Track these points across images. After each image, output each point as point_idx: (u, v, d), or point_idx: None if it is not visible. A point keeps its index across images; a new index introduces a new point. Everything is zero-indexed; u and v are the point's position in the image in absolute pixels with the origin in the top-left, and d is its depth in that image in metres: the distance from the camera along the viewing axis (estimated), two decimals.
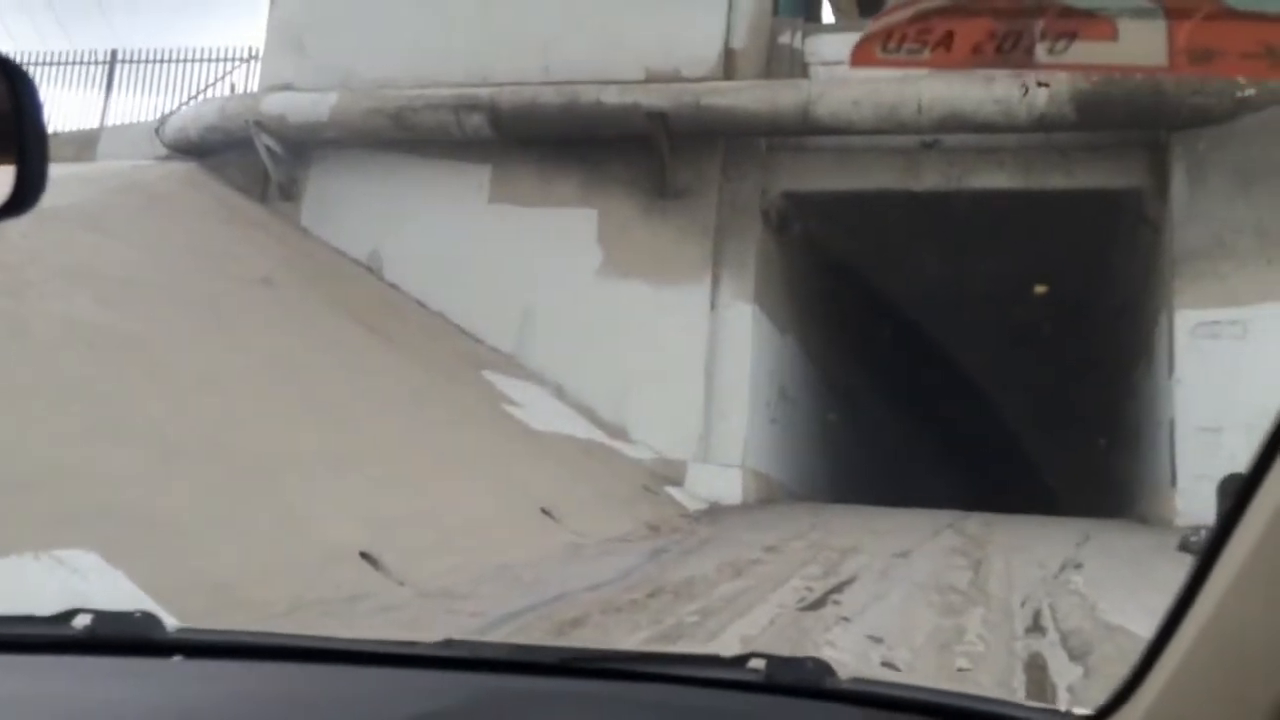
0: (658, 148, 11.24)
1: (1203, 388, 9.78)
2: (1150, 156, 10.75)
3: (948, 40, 2.79)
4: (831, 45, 11.96)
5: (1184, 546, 8.20)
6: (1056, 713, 1.31)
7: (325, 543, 5.38)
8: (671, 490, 9.97)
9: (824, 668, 1.34)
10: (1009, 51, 2.79)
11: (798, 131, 11.22)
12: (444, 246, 11.76)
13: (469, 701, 1.32)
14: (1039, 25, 2.77)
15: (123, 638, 1.40)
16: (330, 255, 11.43)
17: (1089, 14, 2.85)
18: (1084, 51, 2.79)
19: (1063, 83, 10.29)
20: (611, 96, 11.18)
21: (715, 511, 9.83)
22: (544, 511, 7.46)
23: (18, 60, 1.22)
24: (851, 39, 11.28)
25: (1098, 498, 12.89)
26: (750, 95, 11.02)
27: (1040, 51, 2.80)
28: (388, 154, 12.08)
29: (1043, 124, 10.49)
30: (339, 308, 9.75)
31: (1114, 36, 2.78)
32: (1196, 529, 8.64)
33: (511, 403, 9.87)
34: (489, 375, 10.28)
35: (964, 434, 15.37)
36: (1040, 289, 12.13)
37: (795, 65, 11.73)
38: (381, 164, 12.12)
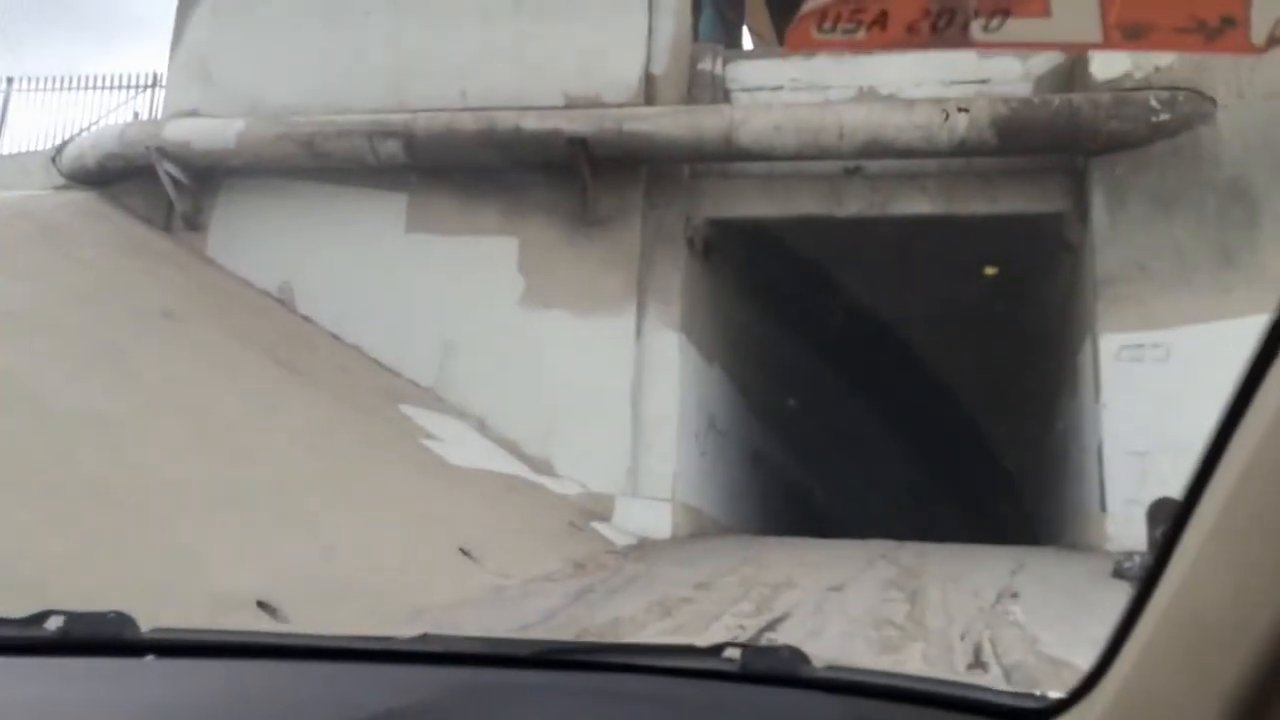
0: (579, 174, 10.99)
1: (1129, 412, 9.77)
2: (1070, 181, 10.80)
3: (882, 19, 2.65)
4: (752, 71, 11.90)
5: (1118, 573, 8.11)
6: (1030, 696, 1.30)
7: (218, 590, 4.95)
8: (599, 526, 9.63)
9: (799, 656, 1.35)
10: (944, 30, 2.66)
11: (721, 157, 11.06)
12: (359, 277, 11.35)
13: (445, 694, 1.31)
14: (972, 2, 2.62)
15: (96, 638, 1.39)
16: (238, 287, 10.93)
17: None
18: (1018, 29, 2.66)
19: (982, 109, 10.33)
20: (531, 122, 10.91)
21: (644, 547, 9.51)
22: (463, 551, 7.07)
23: None
24: (773, 64, 11.26)
25: (1030, 524, 12.87)
26: (672, 120, 10.85)
27: (975, 29, 2.66)
28: (299, 182, 11.64)
29: (964, 149, 10.48)
30: (245, 340, 9.27)
31: (1047, 13, 2.66)
32: (1129, 555, 8.56)
33: (430, 437, 9.46)
34: (407, 409, 9.87)
35: (892, 462, 15.29)
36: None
37: (717, 91, 11.62)
38: (293, 192, 11.68)
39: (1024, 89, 10.87)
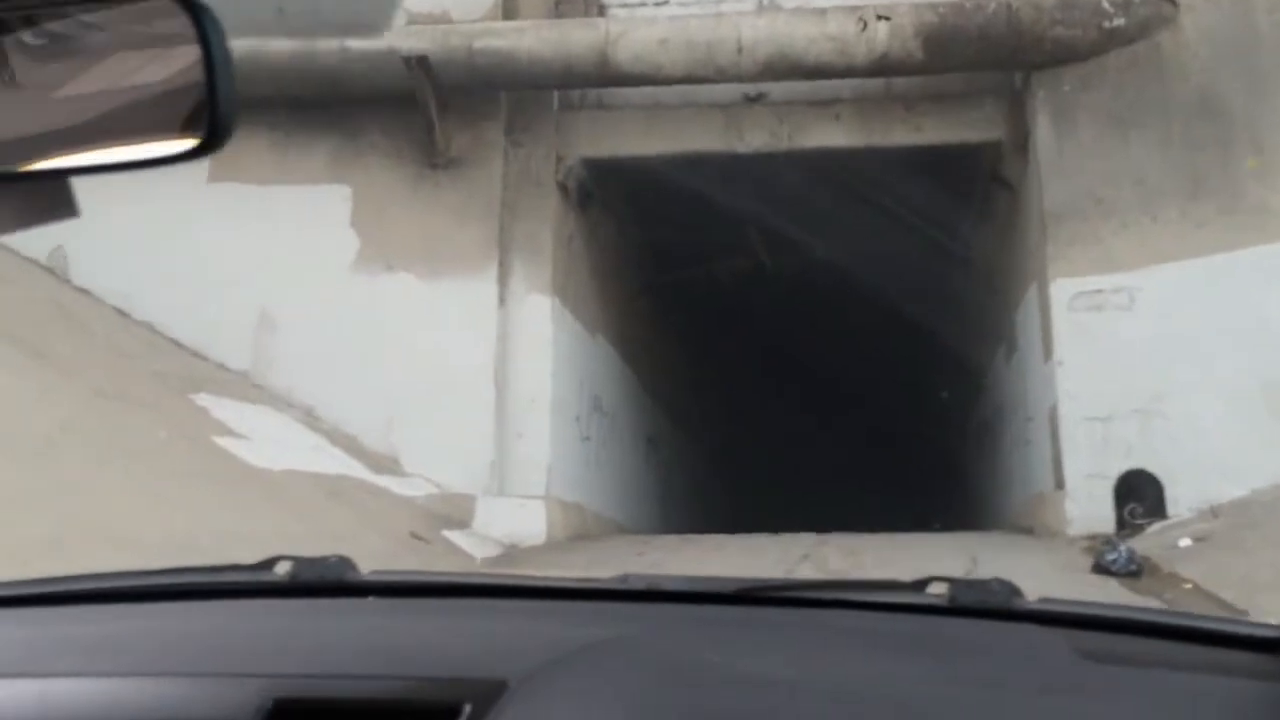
0: (423, 105, 8.96)
1: (1087, 370, 8.21)
2: (1007, 106, 9.20)
3: None
4: None
5: (1101, 568, 6.48)
6: (1268, 625, 1.26)
7: None
8: (454, 534, 7.66)
9: (1010, 588, 1.34)
10: None
11: (596, 82, 9.16)
12: (151, 240, 9.08)
13: (650, 628, 1.35)
14: None
15: (322, 581, 1.47)
16: None
17: None
18: None
19: (906, 15, 8.64)
20: (360, 42, 8.83)
21: (511, 557, 7.60)
22: None
23: None
24: None
25: (971, 506, 11.31)
26: (535, 36, 8.88)
27: None
28: None
29: (885, 65, 8.76)
30: None
31: None
32: (1110, 543, 6.96)
33: (230, 433, 7.36)
34: (203, 399, 7.74)
35: (809, 441, 13.63)
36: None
37: (590, 6, 9.69)
38: None
39: None
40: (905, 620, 1.35)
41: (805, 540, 8.09)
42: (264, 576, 1.47)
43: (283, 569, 1.47)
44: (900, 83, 9.31)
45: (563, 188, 9.47)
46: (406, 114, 9.08)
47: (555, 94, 9.50)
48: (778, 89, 9.31)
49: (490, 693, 1.06)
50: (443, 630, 1.35)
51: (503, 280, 9.06)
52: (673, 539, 8.85)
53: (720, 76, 8.93)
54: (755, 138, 9.42)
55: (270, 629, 1.37)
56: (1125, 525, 7.81)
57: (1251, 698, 1.16)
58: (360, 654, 1.25)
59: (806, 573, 6.99)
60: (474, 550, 7.51)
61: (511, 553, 7.80)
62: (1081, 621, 1.32)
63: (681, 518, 11.45)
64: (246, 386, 8.57)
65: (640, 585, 1.47)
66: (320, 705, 1.09)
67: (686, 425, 13.13)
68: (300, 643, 1.30)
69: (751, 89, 9.35)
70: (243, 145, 9.20)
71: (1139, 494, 7.91)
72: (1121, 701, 1.13)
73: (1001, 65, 8.92)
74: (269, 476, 6.85)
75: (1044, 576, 6.68)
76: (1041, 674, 1.21)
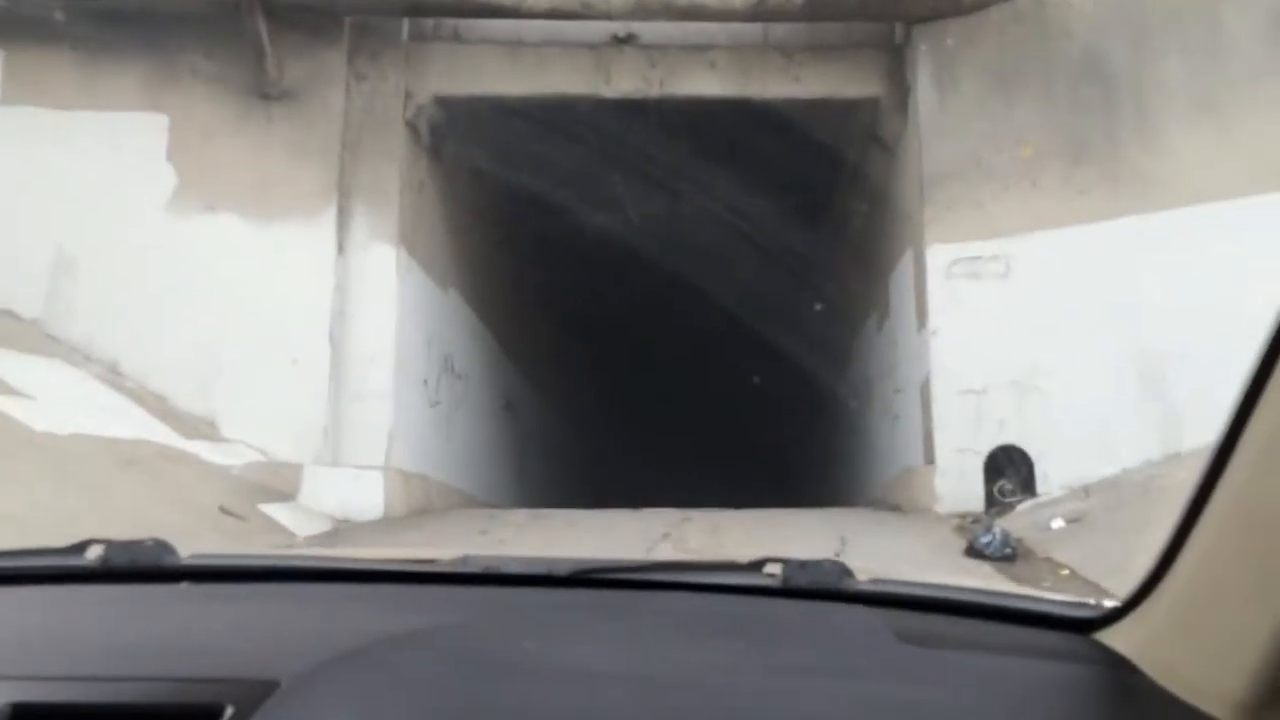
0: (252, 27, 7.97)
1: (962, 340, 7.84)
2: (889, 59, 8.73)
3: None
4: None
5: (974, 551, 6.10)
6: (1084, 605, 1.29)
7: None
8: (274, 509, 6.82)
9: (841, 569, 1.36)
10: None
11: (450, 10, 8.33)
12: None
13: (486, 613, 1.31)
14: None
15: (135, 566, 1.42)
16: None
17: None
18: None
19: None
20: None
21: (339, 535, 6.81)
22: None
23: None
24: None
25: (833, 481, 10.95)
26: None
27: None
28: None
29: (763, 9, 8.17)
30: None
31: None
32: (983, 523, 6.61)
33: (10, 391, 6.35)
34: None
35: (676, 409, 13.11)
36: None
37: None
38: None
39: None
40: (738, 602, 1.35)
41: (667, 517, 7.55)
42: (74, 561, 1.40)
43: (94, 553, 1.40)
44: (779, 31, 8.76)
45: (412, 127, 8.62)
46: (234, 36, 8.08)
47: (405, 22, 8.61)
48: (650, 30, 8.65)
49: (258, 694, 1.02)
50: (237, 622, 1.28)
51: (342, 226, 8.19)
52: (523, 514, 8.18)
53: (587, 12, 8.19)
54: (624, 82, 8.74)
55: (73, 619, 1.29)
56: (994, 503, 7.50)
57: (1059, 680, 1.16)
58: (134, 651, 1.17)
59: (665, 552, 6.45)
60: (297, 527, 6.69)
61: (341, 528, 7.01)
62: (908, 602, 1.33)
63: (540, 490, 10.80)
64: (38, 337, 7.51)
65: (478, 568, 1.42)
66: (62, 710, 1.03)
67: (549, 390, 12.44)
68: (100, 634, 1.23)
69: (621, 28, 8.66)
70: (42, 63, 8.10)
71: (1009, 470, 7.61)
72: (932, 685, 1.12)
73: (884, 15, 8.43)
74: (51, 442, 5.89)
75: (916, 559, 6.28)
76: (859, 657, 1.20)
